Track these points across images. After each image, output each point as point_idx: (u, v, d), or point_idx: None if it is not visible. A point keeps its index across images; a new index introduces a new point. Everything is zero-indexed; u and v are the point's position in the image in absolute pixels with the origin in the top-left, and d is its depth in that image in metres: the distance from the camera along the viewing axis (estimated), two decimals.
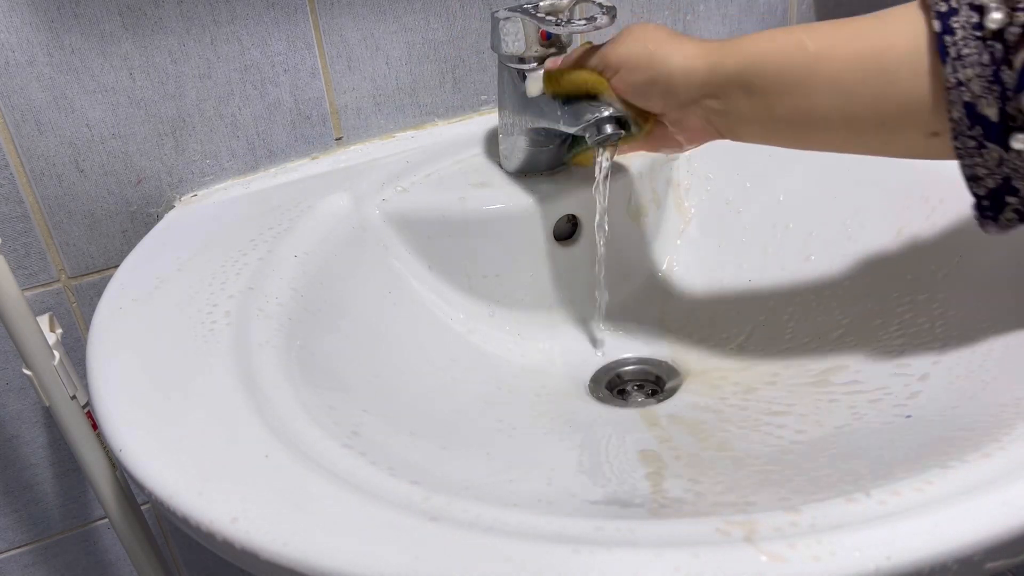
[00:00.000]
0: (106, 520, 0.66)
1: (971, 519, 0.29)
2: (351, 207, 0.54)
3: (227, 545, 0.31)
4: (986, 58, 0.32)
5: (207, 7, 0.54)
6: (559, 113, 0.50)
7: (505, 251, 0.56)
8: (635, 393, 0.53)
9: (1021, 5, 0.32)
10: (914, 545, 0.28)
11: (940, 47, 0.34)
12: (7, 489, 0.62)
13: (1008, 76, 0.32)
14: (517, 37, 0.52)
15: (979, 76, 0.33)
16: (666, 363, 0.55)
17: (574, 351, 0.57)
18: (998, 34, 0.32)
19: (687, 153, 0.61)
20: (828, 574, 0.27)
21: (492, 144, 0.61)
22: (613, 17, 0.48)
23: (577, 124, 0.49)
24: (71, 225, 0.56)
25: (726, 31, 0.70)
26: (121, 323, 0.44)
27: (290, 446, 0.35)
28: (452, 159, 0.60)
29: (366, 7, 0.58)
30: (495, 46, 0.53)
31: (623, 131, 0.48)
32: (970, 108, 0.33)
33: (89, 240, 0.56)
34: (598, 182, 0.51)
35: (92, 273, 0.57)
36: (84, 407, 0.53)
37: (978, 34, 0.33)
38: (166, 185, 0.57)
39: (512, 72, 0.53)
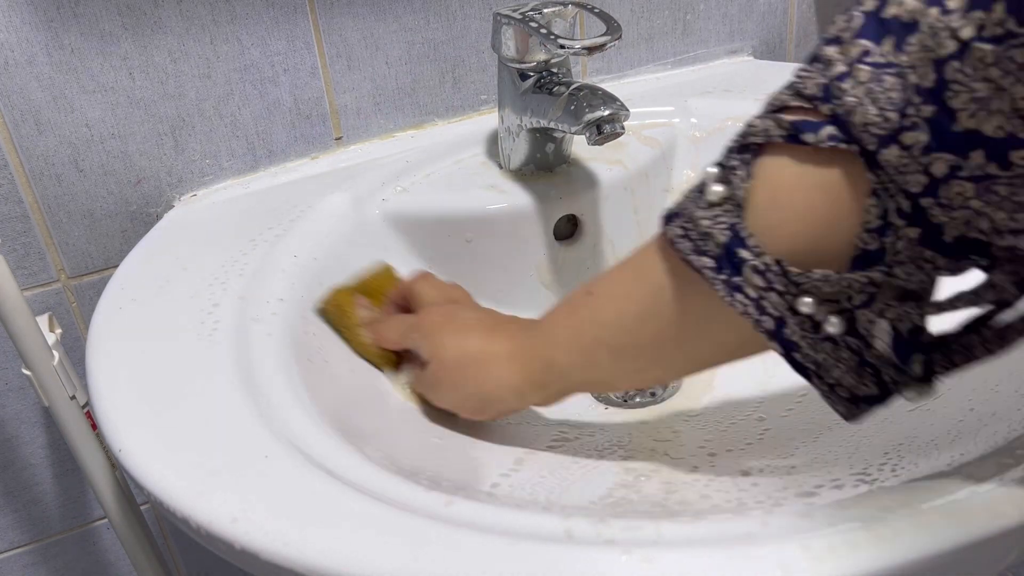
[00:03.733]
0: (106, 520, 0.66)
1: None
2: (351, 207, 0.54)
3: (227, 545, 0.31)
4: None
5: (207, 7, 0.54)
6: (559, 113, 0.50)
7: (505, 251, 0.56)
8: (635, 393, 0.53)
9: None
10: None
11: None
12: (7, 489, 0.62)
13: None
14: (520, 43, 0.52)
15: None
16: None
17: None
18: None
19: (689, 155, 0.61)
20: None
21: (492, 144, 0.61)
22: (619, 36, 0.47)
23: (577, 124, 0.49)
24: (71, 225, 0.56)
25: (726, 31, 0.70)
26: (121, 323, 0.44)
27: (290, 446, 0.35)
28: (452, 159, 0.60)
29: (366, 7, 0.58)
30: (495, 46, 0.53)
31: (623, 131, 0.48)
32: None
33: (89, 240, 0.56)
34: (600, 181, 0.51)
35: (92, 273, 0.57)
36: (84, 407, 0.53)
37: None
38: (166, 185, 0.57)
39: (512, 72, 0.53)
